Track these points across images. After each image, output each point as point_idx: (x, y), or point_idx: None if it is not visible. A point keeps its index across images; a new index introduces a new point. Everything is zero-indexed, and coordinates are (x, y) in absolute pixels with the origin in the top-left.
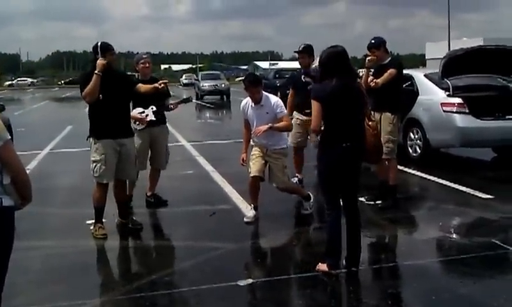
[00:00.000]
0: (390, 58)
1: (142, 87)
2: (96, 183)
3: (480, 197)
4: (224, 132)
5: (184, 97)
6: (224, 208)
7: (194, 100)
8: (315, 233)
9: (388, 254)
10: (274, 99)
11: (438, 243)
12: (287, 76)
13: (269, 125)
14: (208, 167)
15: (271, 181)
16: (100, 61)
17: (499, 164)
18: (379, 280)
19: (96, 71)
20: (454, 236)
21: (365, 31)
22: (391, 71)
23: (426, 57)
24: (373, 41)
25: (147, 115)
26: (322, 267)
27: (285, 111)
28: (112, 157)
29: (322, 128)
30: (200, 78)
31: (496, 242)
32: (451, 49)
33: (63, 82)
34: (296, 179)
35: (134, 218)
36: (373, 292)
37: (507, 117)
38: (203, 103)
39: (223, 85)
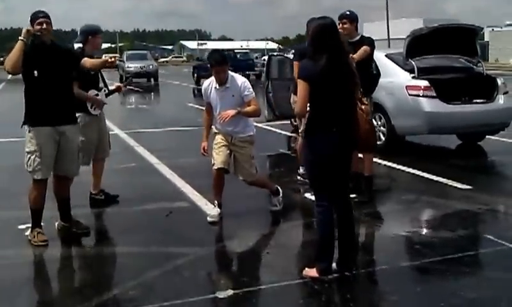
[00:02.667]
0: (360, 36)
1: (88, 61)
2: (32, 180)
3: (459, 188)
4: (160, 119)
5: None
6: (180, 206)
7: (118, 84)
8: (290, 232)
9: (379, 255)
10: (241, 80)
11: (431, 241)
12: None
13: (237, 109)
14: (152, 159)
15: (237, 174)
16: (25, 28)
17: (466, 151)
18: (377, 284)
19: (20, 37)
20: (445, 232)
21: (298, 10)
22: (365, 48)
23: None
24: (348, 12)
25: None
26: (311, 272)
27: (253, 93)
28: (50, 147)
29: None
30: (124, 59)
31: (491, 237)
32: (414, 28)
33: None
34: (302, 170)
35: (79, 220)
36: (372, 299)
37: (474, 101)
38: (130, 87)
39: (150, 66)
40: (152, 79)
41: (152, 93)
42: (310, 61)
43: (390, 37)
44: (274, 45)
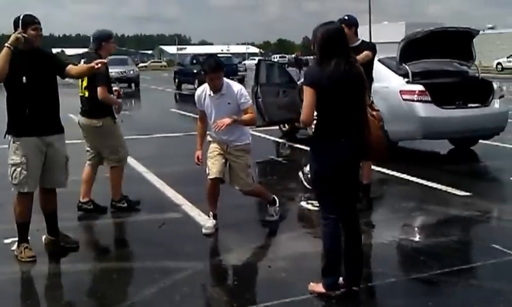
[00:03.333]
0: (360, 40)
1: (73, 68)
2: (17, 193)
3: (458, 195)
4: (144, 126)
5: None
6: (173, 217)
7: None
8: (290, 243)
9: (386, 267)
10: (238, 87)
11: (437, 251)
12: None
13: (233, 117)
14: (140, 167)
15: (233, 184)
16: (15, 34)
17: (459, 156)
18: (386, 299)
19: (6, 44)
20: (451, 242)
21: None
22: (367, 53)
23: None
24: (346, 17)
25: None
26: (317, 287)
27: (250, 101)
28: (37, 159)
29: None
30: None
31: (498, 247)
32: (409, 33)
33: None
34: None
35: (67, 234)
36: None
37: (469, 105)
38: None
39: (131, 72)
40: (133, 85)
41: (134, 99)
42: (317, 67)
43: (373, 41)
44: (255, 50)
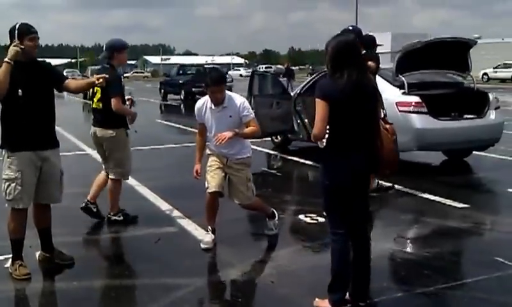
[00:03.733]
0: (364, 51)
1: (72, 82)
2: (11, 209)
3: (456, 207)
4: (134, 137)
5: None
6: (169, 232)
7: (83, 100)
8: (291, 257)
9: (390, 282)
10: (240, 100)
11: (440, 265)
12: (192, 72)
13: (235, 130)
14: (131, 180)
15: (233, 197)
16: (13, 47)
17: (453, 167)
18: None
19: (6, 59)
20: (454, 255)
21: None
22: (370, 63)
23: None
24: (350, 27)
25: None
26: (323, 303)
27: (253, 114)
28: (32, 174)
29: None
30: (88, 75)
31: (501, 259)
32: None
33: None
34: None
35: (61, 250)
36: None
37: (464, 116)
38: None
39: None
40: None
41: None
42: (329, 79)
43: None
44: (240, 60)
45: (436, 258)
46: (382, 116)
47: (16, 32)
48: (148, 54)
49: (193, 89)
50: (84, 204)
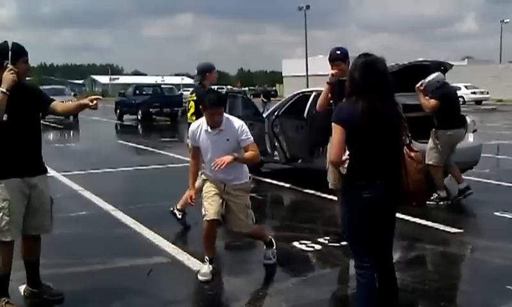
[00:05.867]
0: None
1: (59, 105)
2: None
3: (450, 232)
4: (96, 159)
5: None
6: (160, 262)
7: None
8: (300, 290)
9: None
10: (238, 123)
11: (451, 295)
12: (148, 93)
13: (234, 155)
14: (105, 205)
15: (232, 226)
16: (9, 74)
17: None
18: None
19: (2, 89)
20: (465, 285)
21: (214, 45)
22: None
23: (283, 74)
24: (338, 52)
25: None
26: None
27: (252, 138)
28: (20, 203)
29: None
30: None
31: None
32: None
33: None
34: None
35: (49, 285)
36: None
37: None
38: (46, 123)
39: (70, 102)
40: (71, 116)
41: (76, 130)
42: (346, 102)
43: (309, 73)
44: (190, 81)
45: (449, 288)
46: (407, 142)
47: (10, 53)
48: (95, 74)
49: (150, 110)
50: (175, 212)
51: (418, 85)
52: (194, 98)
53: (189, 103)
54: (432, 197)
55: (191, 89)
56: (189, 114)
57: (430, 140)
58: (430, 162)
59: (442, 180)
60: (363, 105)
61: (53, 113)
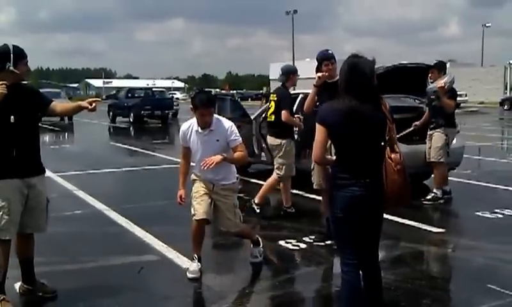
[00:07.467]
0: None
1: (58, 106)
2: None
3: (433, 232)
4: (89, 160)
5: None
6: (150, 260)
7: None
8: (286, 288)
9: None
10: (228, 124)
11: (435, 294)
12: (140, 96)
13: (223, 155)
14: (99, 205)
15: (220, 225)
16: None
17: (414, 191)
18: None
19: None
20: (447, 283)
21: (203, 50)
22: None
23: (270, 78)
24: (330, 51)
25: None
26: None
27: (240, 139)
28: (18, 202)
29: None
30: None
31: (495, 287)
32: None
33: None
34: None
35: (44, 282)
36: None
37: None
38: (43, 126)
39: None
40: (66, 118)
41: (70, 132)
42: (329, 102)
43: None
44: (180, 84)
45: (431, 286)
46: (389, 142)
47: (11, 55)
48: (90, 77)
49: (142, 112)
50: (283, 211)
51: (442, 86)
52: (275, 98)
53: (269, 103)
54: (429, 197)
55: (177, 93)
56: (268, 113)
57: (437, 139)
58: (442, 160)
59: (446, 179)
60: (342, 105)
61: (52, 113)
